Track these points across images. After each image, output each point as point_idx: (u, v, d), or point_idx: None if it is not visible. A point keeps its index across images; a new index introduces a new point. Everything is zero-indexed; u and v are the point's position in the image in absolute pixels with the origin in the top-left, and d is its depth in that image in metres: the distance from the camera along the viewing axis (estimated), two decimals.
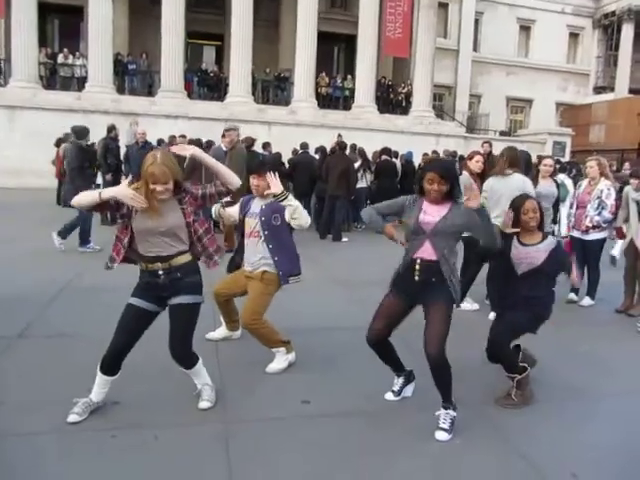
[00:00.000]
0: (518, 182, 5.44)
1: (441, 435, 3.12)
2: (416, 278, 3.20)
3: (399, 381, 3.63)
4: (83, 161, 8.08)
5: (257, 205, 4.08)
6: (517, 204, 3.80)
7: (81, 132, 8.35)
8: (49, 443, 2.91)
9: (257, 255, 4.02)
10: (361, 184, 11.52)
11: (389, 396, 3.61)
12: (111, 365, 3.16)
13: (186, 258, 3.17)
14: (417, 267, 3.18)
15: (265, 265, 4.01)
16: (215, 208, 4.23)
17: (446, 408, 3.20)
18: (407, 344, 3.61)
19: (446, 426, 3.15)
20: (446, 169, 3.22)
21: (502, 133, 25.87)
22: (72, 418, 3.09)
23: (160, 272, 3.10)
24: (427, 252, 3.17)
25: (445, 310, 3.17)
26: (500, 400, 3.63)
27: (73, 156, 8.16)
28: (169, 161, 3.04)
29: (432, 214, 3.20)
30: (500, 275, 3.92)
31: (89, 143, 9.14)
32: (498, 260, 3.86)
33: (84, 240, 7.91)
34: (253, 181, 4.03)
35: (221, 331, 4.57)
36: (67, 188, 8.42)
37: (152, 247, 3.10)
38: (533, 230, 3.76)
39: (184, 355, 3.24)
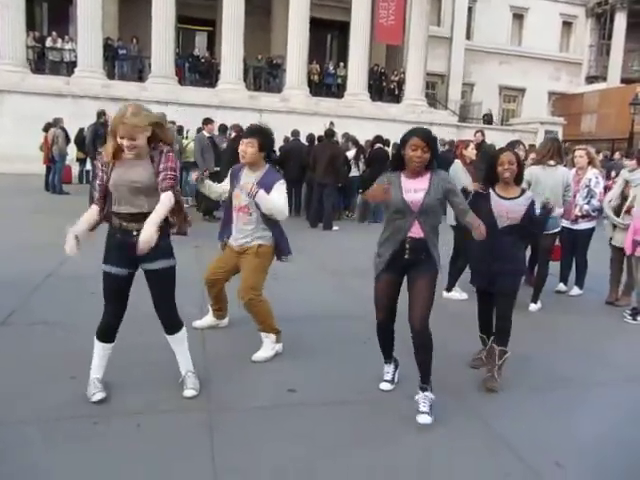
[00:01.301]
0: (562, 175, 5.48)
1: (423, 419, 3.10)
2: (406, 257, 3.16)
3: (390, 369, 3.61)
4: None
5: (248, 178, 3.88)
6: (493, 157, 3.80)
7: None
8: (31, 431, 2.87)
9: (249, 228, 3.89)
10: (354, 172, 11.49)
11: (385, 386, 3.57)
12: (107, 333, 3.20)
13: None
14: (407, 246, 3.14)
15: (259, 238, 3.90)
16: (197, 180, 3.96)
17: (424, 390, 3.18)
18: (401, 337, 3.59)
19: (426, 409, 3.13)
20: (429, 134, 3.12)
21: (485, 117, 25.54)
22: (97, 397, 3.14)
23: (134, 233, 3.00)
24: (416, 231, 3.13)
25: (430, 282, 3.16)
26: (488, 383, 3.65)
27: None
28: (140, 115, 2.93)
29: (416, 190, 3.12)
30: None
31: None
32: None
33: None
34: (241, 146, 3.89)
35: (208, 319, 4.53)
36: None
37: (128, 203, 3.03)
38: (509, 182, 3.75)
39: (173, 317, 3.28)
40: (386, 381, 3.59)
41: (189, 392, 3.30)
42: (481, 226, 3.18)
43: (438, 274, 3.23)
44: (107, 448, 2.75)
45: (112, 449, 2.75)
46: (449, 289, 5.85)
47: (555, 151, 5.58)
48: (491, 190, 3.79)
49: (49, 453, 2.70)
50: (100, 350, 3.24)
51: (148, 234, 2.83)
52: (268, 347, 3.99)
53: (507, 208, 3.69)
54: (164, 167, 3.01)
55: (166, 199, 2.99)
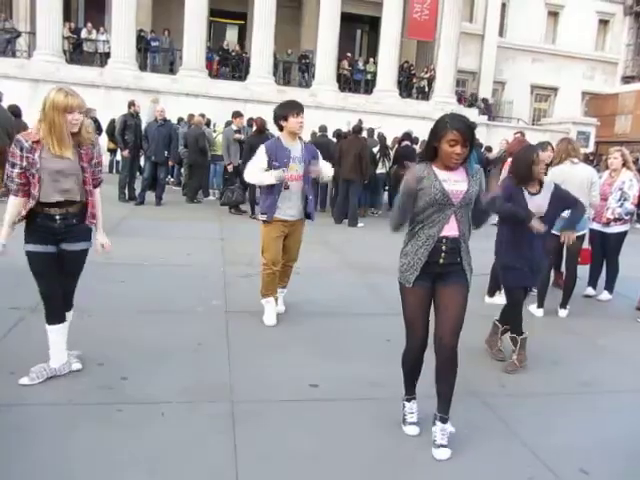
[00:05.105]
0: (586, 172, 5.40)
1: (442, 453, 2.79)
2: (441, 261, 2.77)
3: (415, 407, 3.09)
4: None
5: (295, 149, 4.30)
6: (529, 156, 3.94)
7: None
8: (55, 414, 2.94)
9: (299, 199, 4.33)
10: (380, 170, 11.44)
11: (413, 430, 3.03)
12: (54, 313, 3.26)
13: (82, 204, 3.19)
14: (444, 247, 2.74)
15: (302, 210, 4.43)
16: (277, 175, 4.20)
17: (444, 421, 2.84)
18: None
19: (445, 442, 2.82)
20: (469, 126, 2.66)
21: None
22: (22, 381, 3.18)
23: (57, 217, 3.11)
24: (452, 229, 2.74)
25: (464, 294, 2.82)
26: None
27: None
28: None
29: (457, 181, 2.72)
30: (517, 237, 3.93)
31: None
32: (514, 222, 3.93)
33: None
34: (298, 119, 4.22)
35: (278, 309, 4.62)
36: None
37: (58, 190, 3.06)
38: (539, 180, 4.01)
39: (72, 295, 3.39)
40: (413, 424, 3.05)
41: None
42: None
43: (469, 290, 2.87)
44: (129, 434, 2.80)
45: (134, 435, 2.79)
46: (492, 294, 5.67)
47: (571, 150, 5.46)
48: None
49: (70, 436, 2.75)
50: (54, 334, 3.32)
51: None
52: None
53: (538, 204, 3.88)
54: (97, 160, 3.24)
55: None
